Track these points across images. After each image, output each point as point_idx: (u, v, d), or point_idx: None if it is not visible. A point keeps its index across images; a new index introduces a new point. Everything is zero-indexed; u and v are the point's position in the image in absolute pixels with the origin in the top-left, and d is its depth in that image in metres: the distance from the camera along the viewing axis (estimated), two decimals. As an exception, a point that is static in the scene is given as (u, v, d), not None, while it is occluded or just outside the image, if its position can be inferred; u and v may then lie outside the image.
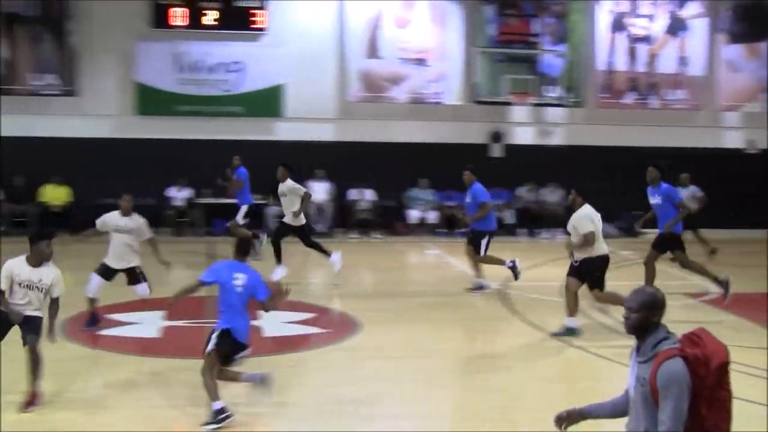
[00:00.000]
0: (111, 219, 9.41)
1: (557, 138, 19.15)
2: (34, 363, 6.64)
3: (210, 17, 17.65)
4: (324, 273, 12.94)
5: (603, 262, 9.37)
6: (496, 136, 18.80)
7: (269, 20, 17.81)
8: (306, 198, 12.44)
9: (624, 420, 4.19)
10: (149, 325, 9.70)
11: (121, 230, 9.31)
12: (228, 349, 6.58)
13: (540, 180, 18.53)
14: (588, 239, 9.19)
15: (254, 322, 9.36)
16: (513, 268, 11.65)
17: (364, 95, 18.44)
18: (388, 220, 18.15)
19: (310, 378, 8.03)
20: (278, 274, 12.06)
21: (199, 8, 17.59)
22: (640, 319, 3.99)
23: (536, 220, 18.34)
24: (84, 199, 16.84)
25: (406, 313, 10.69)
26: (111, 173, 16.90)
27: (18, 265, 6.75)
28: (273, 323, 9.36)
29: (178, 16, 17.55)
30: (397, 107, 18.56)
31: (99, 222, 9.44)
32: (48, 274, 6.79)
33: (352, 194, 18.08)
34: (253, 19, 17.80)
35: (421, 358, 8.62)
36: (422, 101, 18.60)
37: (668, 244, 10.83)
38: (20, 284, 6.70)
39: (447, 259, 15.15)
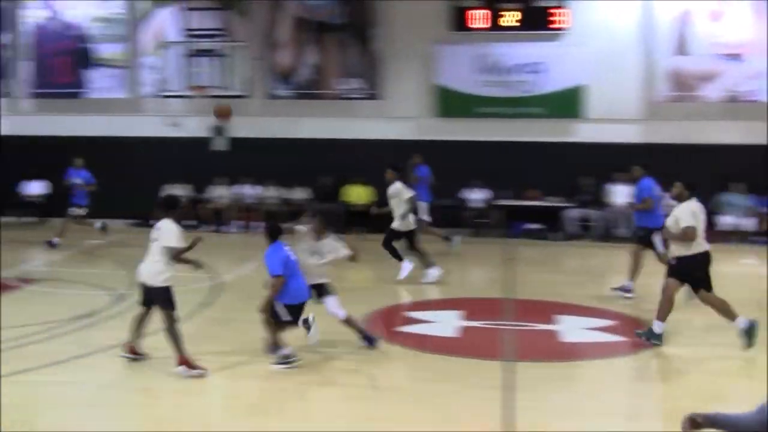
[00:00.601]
0: None
1: None
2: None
3: (509, 18, 19.08)
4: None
5: (703, 259, 9.48)
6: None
7: (570, 19, 18.94)
8: (409, 202, 13.20)
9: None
10: (447, 324, 10.93)
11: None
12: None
13: None
14: (687, 234, 9.33)
15: (552, 327, 10.46)
16: None
17: (672, 94, 18.99)
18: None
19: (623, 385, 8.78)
20: (405, 269, 13.31)
21: (499, 9, 19.08)
22: None
23: None
24: (384, 199, 18.78)
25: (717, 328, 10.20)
26: (411, 174, 18.76)
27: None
28: (573, 329, 10.32)
29: (478, 18, 19.15)
30: (709, 106, 18.92)
31: None
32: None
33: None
34: (553, 18, 18.99)
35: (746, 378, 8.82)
36: (737, 99, 18.84)
37: None
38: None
39: (764, 269, 15.16)
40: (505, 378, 8.72)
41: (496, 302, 12.45)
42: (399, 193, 13.45)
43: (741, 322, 9.58)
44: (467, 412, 7.82)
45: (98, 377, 8.88)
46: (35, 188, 20.58)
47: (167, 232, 8.69)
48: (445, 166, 18.97)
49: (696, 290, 9.74)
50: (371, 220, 19.09)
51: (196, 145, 20.04)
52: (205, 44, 20.17)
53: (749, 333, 9.48)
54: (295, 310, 9.04)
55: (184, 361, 8.65)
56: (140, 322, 9.04)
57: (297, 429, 7.46)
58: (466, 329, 10.78)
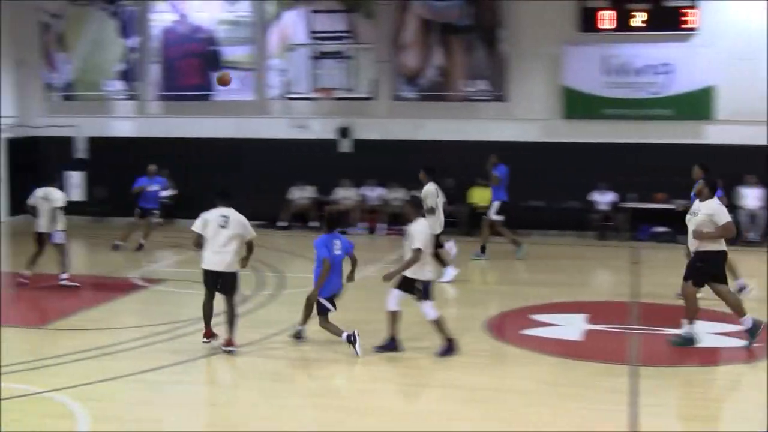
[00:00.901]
0: None
1: None
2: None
3: (639, 18, 19.72)
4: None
5: (722, 256, 10.26)
6: None
7: (699, 19, 19.49)
8: (430, 209, 13.83)
9: None
10: (572, 327, 11.62)
11: None
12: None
13: None
14: (728, 228, 10.12)
15: (679, 332, 10.94)
16: None
17: (808, 94, 19.39)
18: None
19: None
20: (449, 274, 14.23)
21: (628, 10, 19.72)
22: None
23: None
24: (510, 201, 19.76)
25: None
26: (537, 176, 19.73)
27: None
28: (700, 334, 10.65)
29: (606, 18, 19.86)
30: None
31: None
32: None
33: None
34: (684, 18, 19.49)
35: None
36: None
37: None
38: None
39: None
40: (630, 382, 9.25)
41: (621, 306, 13.04)
42: (426, 196, 14.23)
43: (748, 321, 10.51)
44: (592, 417, 8.35)
45: (222, 377, 9.90)
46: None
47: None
48: (570, 169, 19.84)
49: (711, 284, 10.56)
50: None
51: (322, 146, 21.26)
52: (331, 46, 21.38)
53: (753, 332, 10.45)
54: (329, 302, 10.56)
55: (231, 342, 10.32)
56: (209, 310, 10.58)
57: (418, 430, 8.08)
58: (592, 333, 11.38)
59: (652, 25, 19.68)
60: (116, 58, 22.70)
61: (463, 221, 20.39)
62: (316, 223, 20.73)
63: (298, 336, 10.89)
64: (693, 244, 10.65)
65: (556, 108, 20.45)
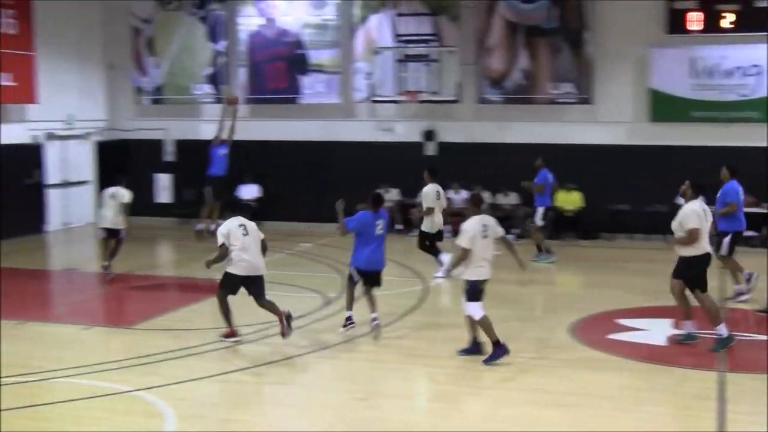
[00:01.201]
0: None
1: None
2: None
3: (728, 20, 19.57)
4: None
5: (703, 261, 10.22)
6: None
7: (791, 20, 19.34)
8: (428, 210, 14.63)
9: None
10: (658, 332, 11.64)
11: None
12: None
13: None
14: (691, 236, 10.01)
15: (761, 337, 11.04)
16: None
17: None
18: None
19: None
20: (444, 260, 14.64)
21: (717, 11, 19.58)
22: None
23: None
24: (595, 204, 19.95)
25: None
26: (622, 180, 19.84)
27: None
28: None
29: (694, 20, 19.78)
30: None
31: None
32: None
33: None
34: (773, 19, 19.45)
35: None
36: None
37: None
38: None
39: None
40: (718, 389, 9.26)
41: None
42: (425, 196, 15.01)
43: (723, 330, 10.61)
44: (677, 423, 8.44)
45: (308, 378, 10.13)
46: (250, 192, 22.69)
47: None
48: (657, 172, 19.86)
49: (692, 289, 10.58)
50: (583, 226, 20.34)
51: (407, 149, 21.61)
52: (416, 49, 21.61)
53: (724, 343, 10.56)
54: (363, 275, 11.31)
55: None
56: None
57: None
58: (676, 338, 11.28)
59: (741, 26, 19.47)
60: (204, 62, 23.30)
61: (547, 225, 20.52)
62: (400, 226, 21.16)
63: (348, 323, 11.42)
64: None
65: (642, 111, 20.39)
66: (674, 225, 10.79)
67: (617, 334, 11.64)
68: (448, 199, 21.31)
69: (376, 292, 11.65)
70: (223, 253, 10.92)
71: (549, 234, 20.06)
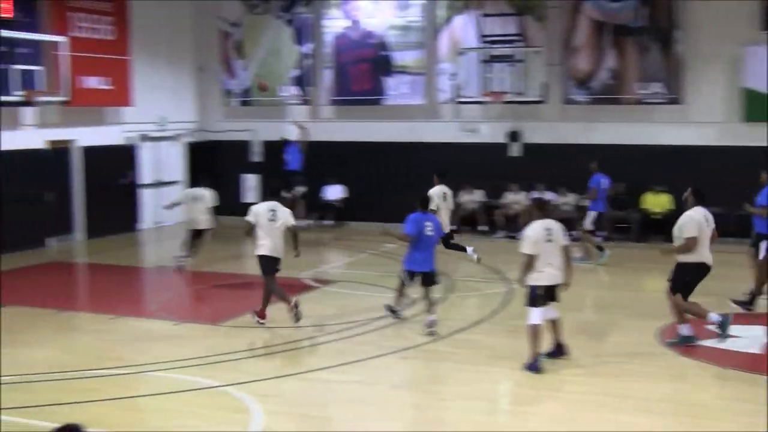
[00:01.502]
0: None
1: None
2: None
3: (823, 17, 19.18)
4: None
5: (699, 270, 10.11)
6: None
7: None
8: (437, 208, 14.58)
9: None
10: (753, 339, 11.45)
11: None
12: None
13: None
14: (688, 244, 9.87)
15: None
16: None
17: None
18: None
19: None
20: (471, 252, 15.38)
21: (815, 6, 19.22)
22: None
23: None
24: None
25: None
26: (714, 181, 19.44)
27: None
28: None
29: (792, 16, 19.39)
30: None
31: None
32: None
33: None
34: None
35: None
36: None
37: None
38: None
39: None
40: None
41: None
42: (431, 198, 14.71)
43: (684, 330, 10.90)
44: None
45: (391, 378, 10.20)
46: (335, 192, 23.02)
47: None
48: (751, 174, 19.45)
49: (673, 291, 10.56)
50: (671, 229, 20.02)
51: (491, 150, 21.63)
52: (501, 50, 21.57)
53: (684, 341, 10.86)
54: (415, 276, 11.89)
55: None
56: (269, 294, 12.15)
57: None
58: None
59: (837, 22, 19.11)
60: (291, 65, 23.63)
61: (634, 227, 20.40)
62: (485, 227, 21.22)
63: (392, 311, 12.32)
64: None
65: (735, 110, 19.97)
66: (675, 231, 10.79)
67: (708, 341, 11.42)
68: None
69: (435, 293, 12.15)
70: (249, 231, 12.13)
71: (636, 237, 20.01)
